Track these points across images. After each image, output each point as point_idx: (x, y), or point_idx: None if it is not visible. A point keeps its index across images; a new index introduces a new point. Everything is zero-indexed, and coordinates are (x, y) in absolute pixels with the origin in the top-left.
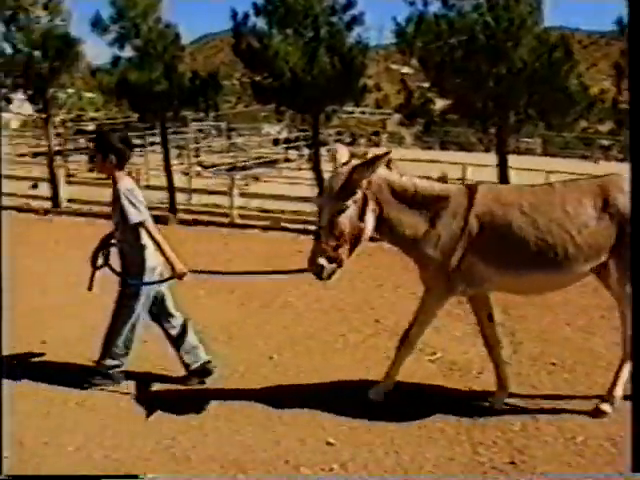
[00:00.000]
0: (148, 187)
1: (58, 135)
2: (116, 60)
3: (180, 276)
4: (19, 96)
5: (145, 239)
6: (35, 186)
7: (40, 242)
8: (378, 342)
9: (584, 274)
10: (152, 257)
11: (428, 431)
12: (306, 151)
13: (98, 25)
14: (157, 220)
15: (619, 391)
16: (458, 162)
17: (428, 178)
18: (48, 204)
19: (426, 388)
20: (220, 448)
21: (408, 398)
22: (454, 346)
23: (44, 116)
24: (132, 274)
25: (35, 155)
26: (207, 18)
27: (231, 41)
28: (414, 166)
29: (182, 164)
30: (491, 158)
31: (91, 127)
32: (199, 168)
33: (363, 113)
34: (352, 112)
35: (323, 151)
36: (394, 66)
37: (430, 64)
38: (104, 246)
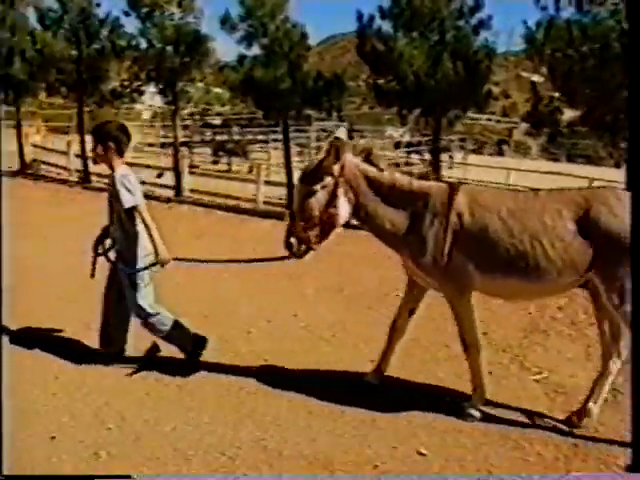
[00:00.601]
0: (268, 183)
1: (185, 127)
2: (243, 58)
3: (163, 263)
4: (151, 89)
5: (140, 226)
6: (160, 175)
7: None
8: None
9: (562, 287)
10: (145, 245)
11: (524, 453)
12: (428, 156)
13: (227, 23)
14: (274, 216)
15: (593, 407)
16: (585, 176)
17: (410, 175)
18: (171, 193)
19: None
20: (311, 445)
21: (504, 416)
22: (562, 367)
23: (173, 108)
24: (128, 262)
25: (163, 145)
26: (336, 19)
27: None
28: (538, 177)
29: (303, 162)
30: (621, 174)
31: (217, 121)
32: None
33: (489, 120)
34: (477, 119)
35: (445, 157)
36: (524, 74)
37: (559, 72)
38: (106, 234)
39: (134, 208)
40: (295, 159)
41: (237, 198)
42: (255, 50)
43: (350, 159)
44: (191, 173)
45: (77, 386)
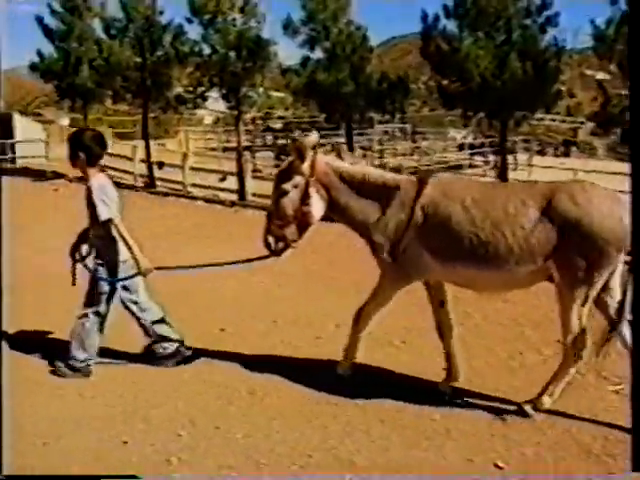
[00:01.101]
0: None
1: (247, 132)
2: (305, 61)
3: (145, 273)
4: (213, 94)
5: (127, 235)
6: (224, 179)
7: (227, 233)
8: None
9: (523, 277)
10: (124, 251)
11: (608, 467)
12: (491, 157)
13: (289, 27)
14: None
15: (547, 400)
16: None
17: (383, 168)
18: (234, 197)
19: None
20: (384, 455)
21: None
22: None
23: (236, 113)
24: (106, 268)
25: (225, 150)
26: (395, 20)
27: (419, 44)
28: (604, 178)
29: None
30: None
31: (279, 125)
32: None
33: (553, 120)
34: (541, 119)
35: (510, 159)
36: (589, 71)
37: None
38: (82, 240)
39: (110, 220)
40: None
41: None
42: (317, 53)
43: (320, 158)
44: (254, 177)
45: (153, 392)
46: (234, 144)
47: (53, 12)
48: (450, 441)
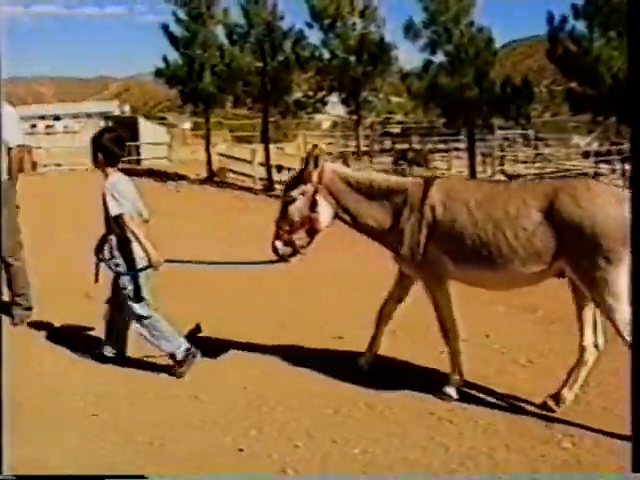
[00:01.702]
0: None
1: (366, 137)
2: (427, 65)
3: (156, 266)
4: (332, 99)
5: (138, 231)
6: None
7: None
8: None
9: (530, 276)
10: (137, 247)
11: None
12: (618, 166)
13: (410, 30)
14: None
15: (567, 393)
16: None
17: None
18: None
19: None
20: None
21: None
22: None
23: (355, 118)
24: (125, 264)
25: (342, 154)
26: (516, 23)
27: (540, 47)
28: None
29: (485, 172)
30: None
31: (397, 130)
32: (503, 177)
33: None
34: None
35: None
36: None
37: None
38: (104, 240)
39: (120, 216)
40: (478, 169)
41: None
42: (439, 57)
43: (327, 165)
44: None
45: (264, 400)
46: (352, 149)
47: (178, 20)
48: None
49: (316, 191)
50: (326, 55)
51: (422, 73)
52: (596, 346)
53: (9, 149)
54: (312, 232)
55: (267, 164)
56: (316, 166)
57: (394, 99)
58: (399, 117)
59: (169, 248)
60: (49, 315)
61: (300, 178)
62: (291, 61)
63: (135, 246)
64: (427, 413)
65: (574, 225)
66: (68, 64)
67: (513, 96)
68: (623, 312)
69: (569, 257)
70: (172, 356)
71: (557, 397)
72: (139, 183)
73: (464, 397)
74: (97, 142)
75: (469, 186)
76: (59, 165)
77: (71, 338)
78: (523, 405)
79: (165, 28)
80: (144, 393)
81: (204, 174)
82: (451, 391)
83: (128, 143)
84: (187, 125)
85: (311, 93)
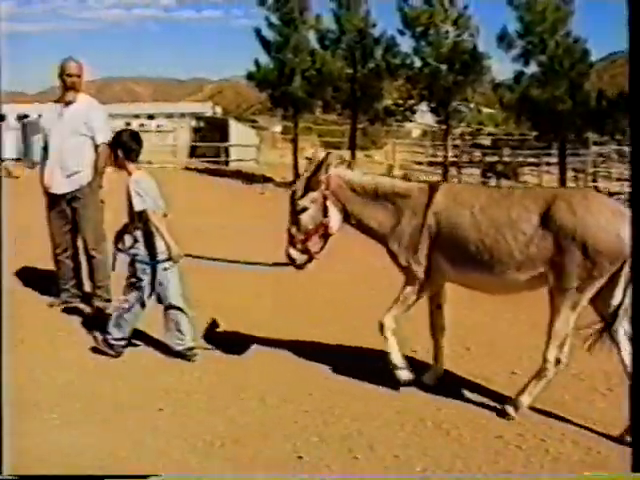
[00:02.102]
0: None
1: (455, 147)
2: (519, 76)
3: (176, 259)
4: (422, 107)
5: (160, 225)
6: None
7: None
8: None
9: (525, 282)
10: (161, 242)
11: None
12: None
13: (504, 40)
14: None
15: (525, 400)
16: None
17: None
18: None
19: None
20: None
21: None
22: None
23: (444, 127)
24: (145, 257)
25: (431, 164)
26: (614, 35)
27: None
28: None
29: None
30: None
31: (487, 141)
32: None
33: None
34: None
35: None
36: None
37: None
38: (125, 231)
39: (143, 211)
40: (569, 184)
41: None
42: (532, 68)
43: (333, 171)
44: None
45: (328, 407)
46: (441, 159)
47: (270, 25)
48: None
49: (325, 197)
50: (417, 63)
51: (514, 84)
52: (558, 361)
53: (96, 146)
54: (325, 237)
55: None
56: (326, 173)
57: (485, 110)
58: (490, 128)
59: (251, 248)
60: None
61: (309, 185)
62: (381, 68)
63: (157, 239)
64: (494, 436)
65: (566, 231)
66: (165, 65)
67: (609, 110)
68: (568, 319)
69: (555, 261)
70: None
71: (516, 403)
72: (226, 184)
73: (536, 423)
74: (116, 140)
75: (474, 191)
76: (150, 163)
77: (138, 333)
78: (599, 435)
79: (258, 32)
80: (215, 393)
81: (290, 177)
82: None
83: (218, 144)
84: (277, 128)
85: (400, 101)
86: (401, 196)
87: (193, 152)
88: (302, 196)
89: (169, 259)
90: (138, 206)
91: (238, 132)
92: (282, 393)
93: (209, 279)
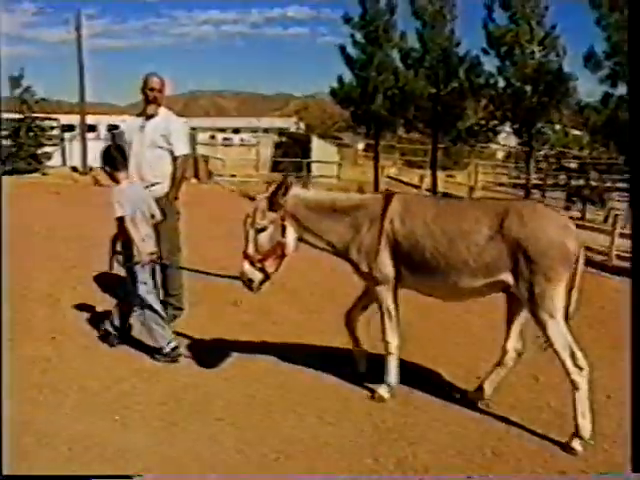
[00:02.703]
0: (624, 235)
1: (539, 170)
2: (606, 98)
3: (142, 262)
4: (506, 128)
5: (133, 231)
6: None
7: None
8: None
9: (480, 289)
10: (143, 245)
11: None
12: None
13: (591, 60)
14: (625, 273)
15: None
16: None
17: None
18: None
19: None
20: None
21: None
22: None
23: (527, 149)
24: (125, 259)
25: (514, 186)
26: None
27: None
28: None
29: None
30: None
31: (573, 165)
32: None
33: None
34: None
35: None
36: None
37: None
38: (118, 236)
39: (121, 218)
40: None
41: (588, 249)
42: (621, 90)
43: (291, 192)
44: None
45: (386, 428)
46: (524, 181)
47: (355, 42)
48: None
49: (283, 218)
50: (501, 83)
51: (600, 106)
52: (517, 351)
53: (174, 158)
54: (282, 257)
55: (433, 191)
56: (285, 195)
57: (571, 132)
58: (575, 151)
59: (329, 262)
60: (196, 319)
61: (269, 206)
62: (465, 88)
63: (139, 244)
64: (557, 471)
65: (520, 243)
66: (251, 80)
67: None
68: (555, 326)
69: (513, 272)
70: (160, 349)
71: (480, 392)
72: None
73: (607, 460)
74: (105, 154)
75: (425, 201)
76: (233, 176)
77: (204, 344)
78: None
79: (342, 49)
80: (272, 407)
81: None
82: (383, 391)
83: (299, 159)
84: (360, 146)
85: (483, 122)
86: (357, 208)
87: (275, 167)
88: (259, 217)
89: (136, 263)
90: (117, 213)
91: (319, 148)
92: (339, 410)
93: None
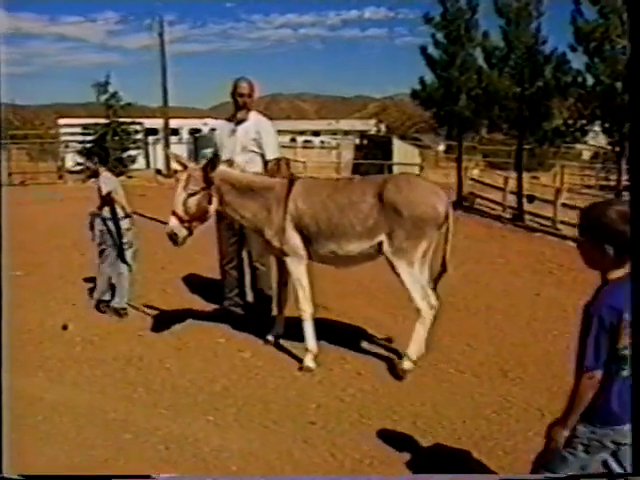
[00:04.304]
0: None
1: (629, 171)
2: None
3: (131, 214)
4: (595, 128)
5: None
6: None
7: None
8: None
9: (367, 252)
10: (124, 222)
11: None
12: None
13: None
14: None
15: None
16: None
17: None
18: None
19: None
20: None
21: None
22: None
23: (618, 150)
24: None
25: (602, 188)
26: None
27: None
28: None
29: None
30: None
31: None
32: None
33: None
34: None
35: None
36: None
37: None
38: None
39: (109, 192)
40: None
41: None
42: None
43: (219, 168)
44: None
45: (481, 436)
46: (613, 182)
47: (437, 43)
48: None
49: (210, 188)
50: (590, 81)
51: None
52: (431, 305)
53: (266, 162)
54: (203, 221)
55: (519, 193)
56: (213, 169)
57: None
58: None
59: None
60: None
61: (201, 177)
62: (551, 87)
63: (118, 209)
64: None
65: (395, 206)
66: (330, 82)
67: None
68: (411, 273)
69: (387, 231)
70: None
71: (407, 356)
72: None
73: None
74: (96, 151)
75: (323, 182)
76: (314, 178)
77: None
78: None
79: (423, 50)
80: (366, 411)
81: (453, 198)
82: (309, 362)
83: (381, 162)
84: (441, 147)
85: (571, 121)
86: (267, 189)
87: (356, 169)
88: (195, 184)
89: (127, 216)
90: (105, 189)
91: (401, 150)
92: (435, 417)
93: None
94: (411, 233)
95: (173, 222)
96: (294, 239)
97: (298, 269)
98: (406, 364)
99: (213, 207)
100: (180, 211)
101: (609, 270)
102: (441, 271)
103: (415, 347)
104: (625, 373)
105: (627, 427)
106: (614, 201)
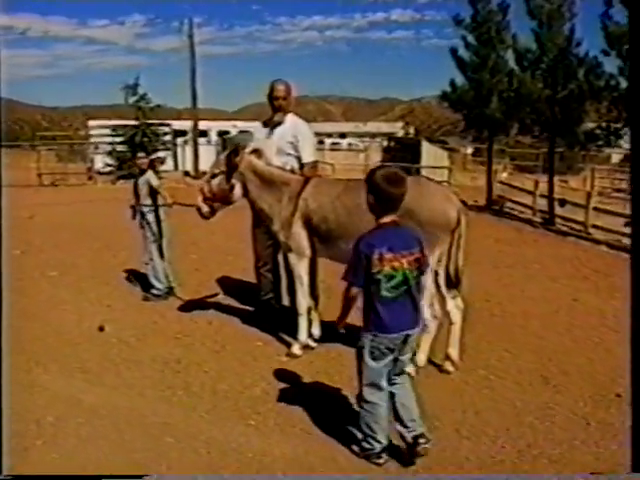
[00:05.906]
0: None
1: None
2: None
3: (170, 204)
4: (627, 130)
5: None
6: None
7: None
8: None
9: None
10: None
11: None
12: None
13: None
14: None
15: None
16: None
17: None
18: None
19: None
20: None
21: None
22: None
23: None
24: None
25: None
26: None
27: None
28: None
29: None
30: None
31: None
32: None
33: None
34: None
35: None
36: None
37: None
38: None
39: (158, 186)
40: None
41: None
42: None
43: (246, 156)
44: None
45: (526, 445)
46: None
47: (467, 45)
48: None
49: (233, 173)
50: (623, 84)
51: None
52: (458, 307)
53: (302, 165)
54: (226, 203)
55: (550, 196)
56: (236, 155)
57: None
58: None
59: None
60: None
61: (225, 162)
62: (584, 90)
63: (160, 199)
64: (556, 470)
65: (405, 211)
66: (356, 85)
67: None
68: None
69: None
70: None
71: (449, 359)
72: None
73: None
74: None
75: (334, 184)
76: None
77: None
78: None
79: (454, 52)
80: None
81: (482, 201)
82: (296, 350)
83: (409, 164)
84: (469, 150)
85: (604, 125)
86: (285, 184)
87: None
88: (217, 168)
89: (168, 205)
90: (155, 183)
91: (429, 153)
92: (478, 425)
93: None
94: (427, 241)
95: (199, 198)
96: (300, 236)
97: (299, 266)
98: (450, 366)
99: (237, 193)
100: (205, 190)
101: (378, 217)
102: (455, 283)
103: (422, 357)
104: (384, 293)
105: (401, 334)
106: (384, 166)
